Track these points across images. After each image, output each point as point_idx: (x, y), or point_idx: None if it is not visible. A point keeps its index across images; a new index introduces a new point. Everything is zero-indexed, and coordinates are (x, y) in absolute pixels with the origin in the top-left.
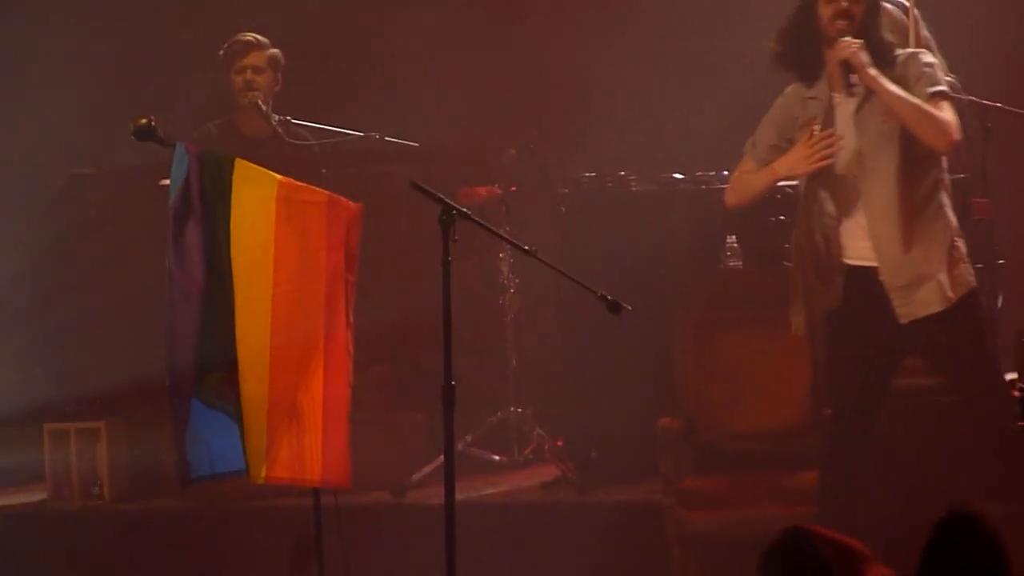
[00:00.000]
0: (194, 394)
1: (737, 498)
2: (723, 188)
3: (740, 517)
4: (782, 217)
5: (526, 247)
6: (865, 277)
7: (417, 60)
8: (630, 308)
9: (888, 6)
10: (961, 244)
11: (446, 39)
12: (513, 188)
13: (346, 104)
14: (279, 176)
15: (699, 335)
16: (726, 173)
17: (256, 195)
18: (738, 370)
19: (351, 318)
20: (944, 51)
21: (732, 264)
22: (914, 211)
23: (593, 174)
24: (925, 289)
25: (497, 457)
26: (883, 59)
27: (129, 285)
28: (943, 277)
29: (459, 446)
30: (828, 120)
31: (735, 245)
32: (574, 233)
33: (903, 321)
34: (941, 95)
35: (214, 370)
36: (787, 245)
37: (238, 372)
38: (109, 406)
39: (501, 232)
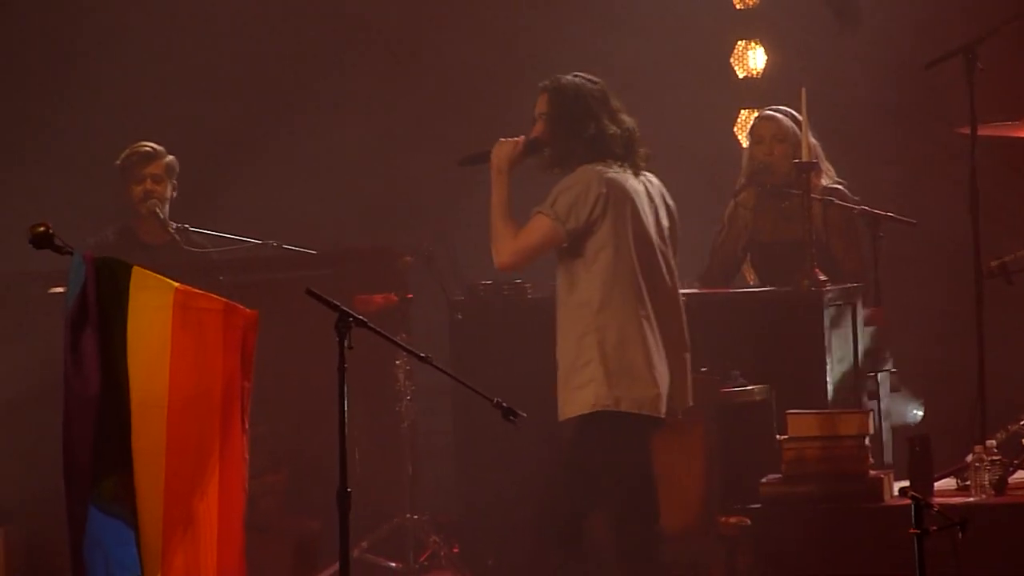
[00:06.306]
0: (91, 499)
1: None
2: None
3: None
4: None
5: (422, 354)
6: None
7: (311, 165)
8: (525, 415)
9: (781, 116)
10: None
11: (338, 143)
12: (409, 295)
13: (245, 210)
14: (176, 283)
15: None
16: None
17: (153, 302)
18: None
19: (247, 424)
20: (831, 159)
21: None
22: None
23: (489, 282)
24: None
25: (393, 564)
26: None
27: (23, 390)
28: None
29: (355, 552)
30: None
31: None
32: (470, 340)
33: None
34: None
35: (110, 475)
36: None
37: (134, 478)
38: (6, 513)
39: (397, 339)
